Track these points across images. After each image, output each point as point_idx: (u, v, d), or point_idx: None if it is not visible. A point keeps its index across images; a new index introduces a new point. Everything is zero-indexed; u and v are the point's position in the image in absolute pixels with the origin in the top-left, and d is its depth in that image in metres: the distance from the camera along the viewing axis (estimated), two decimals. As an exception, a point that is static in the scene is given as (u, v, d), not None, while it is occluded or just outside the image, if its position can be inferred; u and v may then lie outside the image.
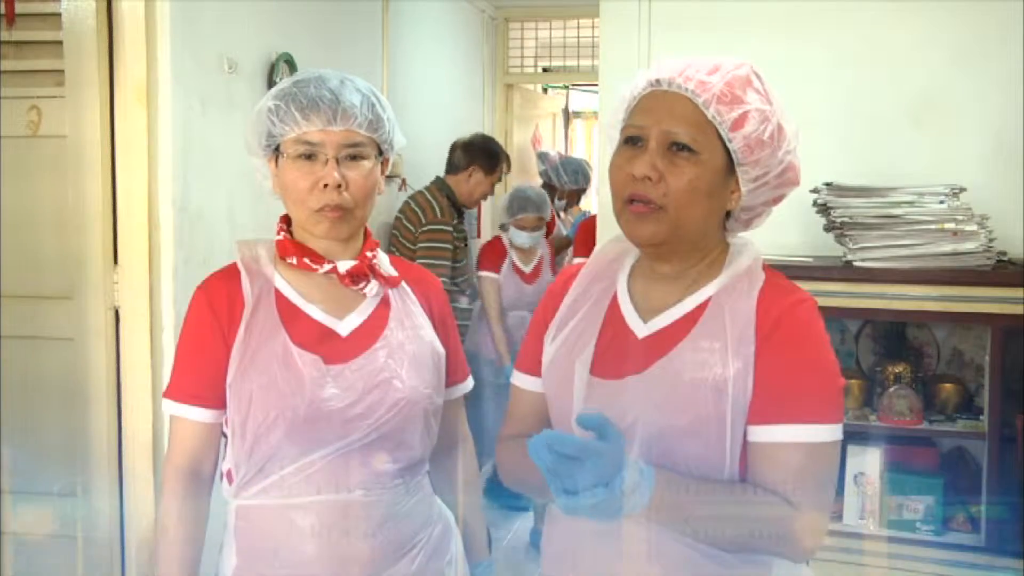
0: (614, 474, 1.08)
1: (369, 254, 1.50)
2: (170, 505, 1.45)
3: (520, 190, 4.07)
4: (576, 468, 1.06)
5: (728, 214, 1.32)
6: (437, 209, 3.68)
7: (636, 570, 1.25)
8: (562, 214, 5.01)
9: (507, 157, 4.01)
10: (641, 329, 1.30)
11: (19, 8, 2.39)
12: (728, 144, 1.24)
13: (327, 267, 1.46)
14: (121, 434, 2.50)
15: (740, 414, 1.21)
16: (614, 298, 1.36)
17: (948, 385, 2.51)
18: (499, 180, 3.98)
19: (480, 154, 3.85)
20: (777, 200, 1.32)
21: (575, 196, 5.05)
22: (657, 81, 1.26)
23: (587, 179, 4.98)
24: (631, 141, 1.27)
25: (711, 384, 1.21)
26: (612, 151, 1.32)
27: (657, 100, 1.26)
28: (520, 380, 1.43)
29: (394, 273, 1.53)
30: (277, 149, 1.43)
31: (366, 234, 1.53)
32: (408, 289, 1.54)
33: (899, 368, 2.52)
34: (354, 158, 1.42)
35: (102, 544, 2.49)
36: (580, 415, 1.12)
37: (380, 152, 1.47)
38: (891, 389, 2.46)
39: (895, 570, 2.39)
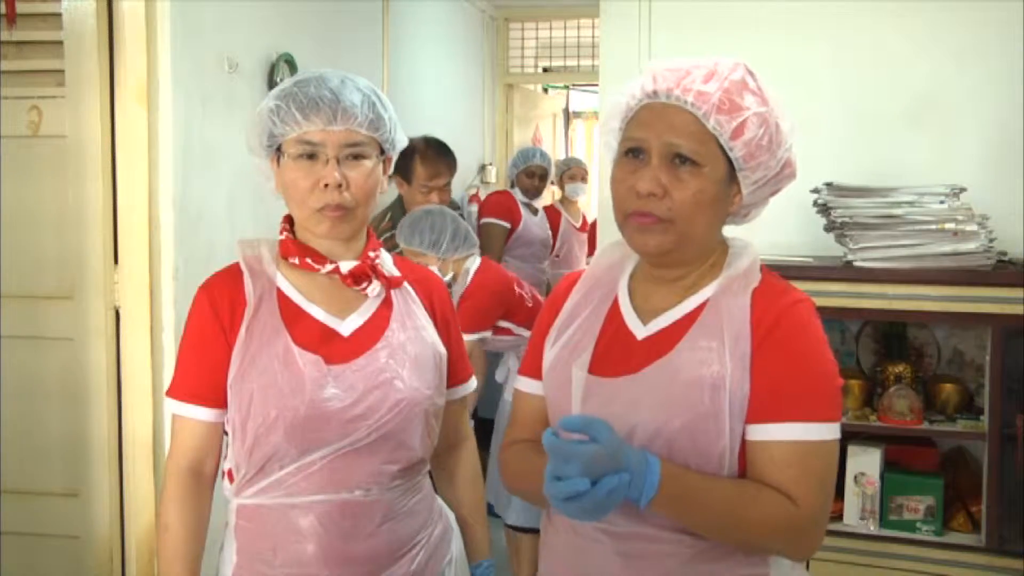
0: (602, 474, 1.09)
1: (371, 254, 1.50)
2: (172, 504, 1.45)
3: None
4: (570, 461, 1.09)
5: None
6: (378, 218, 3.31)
7: (634, 571, 1.25)
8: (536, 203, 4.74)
9: (411, 153, 3.19)
10: (640, 331, 1.31)
11: (20, 8, 2.39)
12: (729, 152, 1.24)
13: (329, 267, 1.46)
14: (121, 434, 2.50)
15: (738, 412, 1.21)
16: (615, 301, 1.36)
17: (948, 385, 2.50)
18: (414, 183, 3.26)
19: None
20: (774, 193, 1.33)
21: (531, 180, 4.68)
22: (654, 92, 1.25)
23: (523, 158, 4.79)
24: (632, 153, 1.26)
25: (708, 383, 1.22)
26: (609, 158, 1.32)
27: (656, 112, 1.25)
28: (524, 385, 1.44)
29: (396, 273, 1.53)
30: (279, 149, 1.43)
31: (368, 234, 1.53)
32: (410, 289, 1.54)
33: (899, 368, 2.52)
34: (355, 157, 1.42)
35: (102, 544, 2.49)
36: (563, 420, 1.13)
37: (382, 152, 1.47)
38: (891, 389, 2.46)
39: (895, 570, 2.39)
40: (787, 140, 1.28)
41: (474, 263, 3.11)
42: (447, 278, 2.96)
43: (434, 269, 2.80)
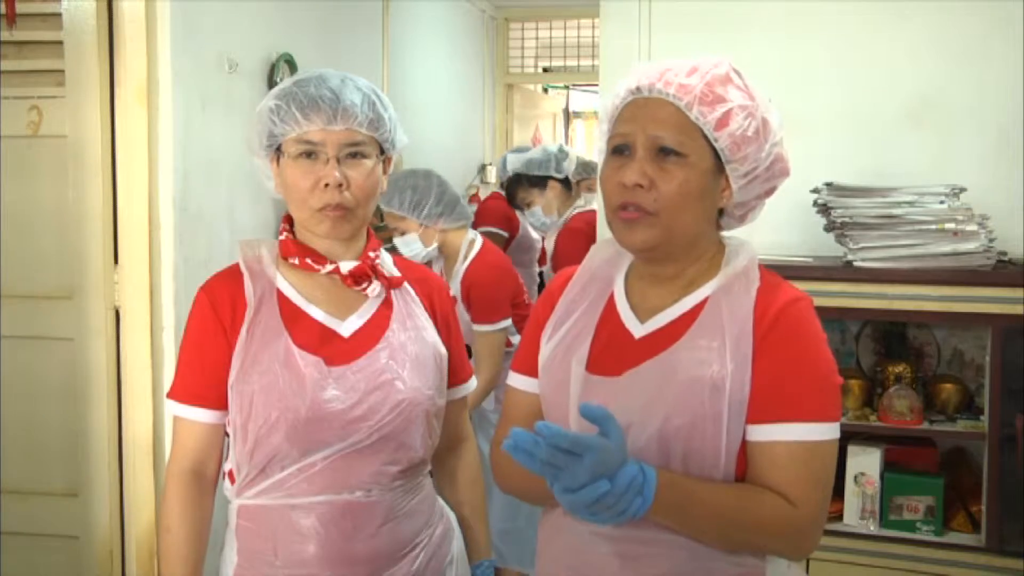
0: (616, 469, 1.07)
1: (371, 255, 1.50)
2: (173, 505, 1.45)
3: None
4: (574, 463, 1.03)
5: (721, 211, 1.32)
6: None
7: (631, 572, 1.25)
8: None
9: None
10: (638, 329, 1.30)
11: (19, 8, 2.39)
12: (714, 144, 1.24)
13: (329, 267, 1.46)
14: (121, 434, 2.50)
15: (737, 413, 1.21)
16: (611, 299, 1.36)
17: (948, 385, 2.50)
18: None
19: None
20: (769, 192, 1.32)
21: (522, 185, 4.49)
22: (637, 88, 1.26)
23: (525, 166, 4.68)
24: (618, 150, 1.27)
25: (708, 382, 1.21)
26: (600, 161, 1.32)
27: (639, 108, 1.26)
28: (517, 381, 1.42)
29: (396, 274, 1.53)
30: (279, 149, 1.43)
31: (369, 235, 1.53)
32: (411, 289, 1.54)
33: (899, 368, 2.51)
34: (355, 157, 1.42)
35: (102, 544, 2.49)
36: (583, 405, 1.08)
37: (382, 151, 1.47)
38: (891, 389, 2.46)
39: (895, 570, 2.39)
40: (776, 134, 1.27)
41: (476, 242, 2.94)
42: (430, 248, 2.82)
43: (414, 236, 2.75)
